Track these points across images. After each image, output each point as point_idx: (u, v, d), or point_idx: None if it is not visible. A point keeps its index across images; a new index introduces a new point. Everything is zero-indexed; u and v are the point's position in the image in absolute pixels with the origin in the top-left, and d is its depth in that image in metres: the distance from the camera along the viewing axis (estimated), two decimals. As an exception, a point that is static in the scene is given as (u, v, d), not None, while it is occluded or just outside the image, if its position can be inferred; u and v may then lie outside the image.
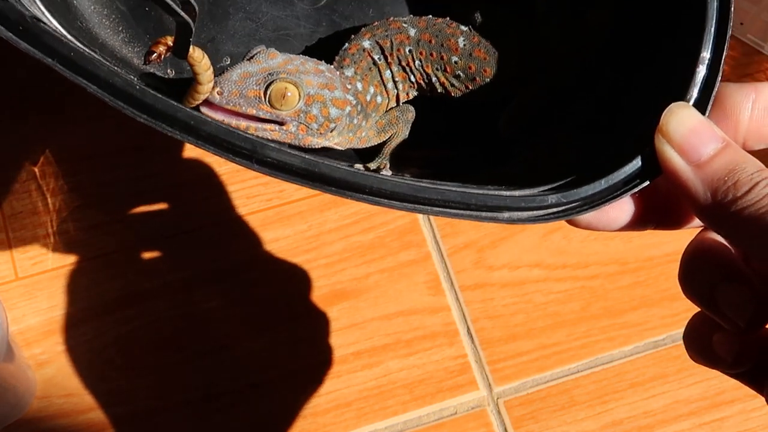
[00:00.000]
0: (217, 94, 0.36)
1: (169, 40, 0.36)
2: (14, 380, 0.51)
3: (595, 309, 0.58)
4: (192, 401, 0.54)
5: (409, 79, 0.45)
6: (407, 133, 0.44)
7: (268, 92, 0.37)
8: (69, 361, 0.55)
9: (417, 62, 0.44)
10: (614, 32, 0.44)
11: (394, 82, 0.45)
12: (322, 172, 0.30)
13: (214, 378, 0.55)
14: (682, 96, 0.32)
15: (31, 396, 0.53)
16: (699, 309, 0.32)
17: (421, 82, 0.45)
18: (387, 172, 0.42)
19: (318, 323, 0.57)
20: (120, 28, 0.48)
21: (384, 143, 0.44)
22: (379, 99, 0.44)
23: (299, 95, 0.37)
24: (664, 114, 0.31)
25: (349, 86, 0.41)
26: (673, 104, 0.31)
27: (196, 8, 0.33)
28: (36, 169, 0.58)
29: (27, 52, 0.30)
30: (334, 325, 0.57)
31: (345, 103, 0.39)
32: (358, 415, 0.55)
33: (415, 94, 0.46)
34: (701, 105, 0.32)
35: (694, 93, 0.33)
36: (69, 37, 0.42)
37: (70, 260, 0.57)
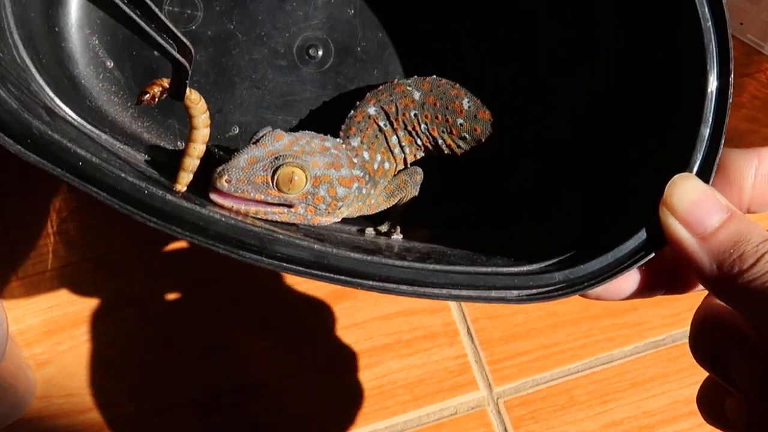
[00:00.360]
0: (226, 182, 0.36)
1: (165, 82, 0.35)
2: (14, 380, 0.51)
3: (595, 309, 0.58)
4: (192, 401, 0.54)
5: (416, 143, 0.45)
6: (416, 194, 0.44)
7: (276, 177, 0.37)
8: (69, 361, 0.55)
9: (423, 125, 0.44)
10: (616, 100, 0.44)
11: (401, 146, 0.45)
12: (331, 263, 0.31)
13: (214, 378, 0.55)
14: (684, 165, 0.33)
15: (31, 396, 0.53)
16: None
17: (428, 144, 0.45)
18: (398, 236, 0.42)
19: (318, 323, 0.57)
20: (129, 104, 0.48)
21: (393, 205, 0.44)
22: (387, 165, 0.44)
23: (306, 178, 0.37)
24: (667, 186, 0.31)
25: (355, 159, 0.41)
26: (676, 176, 0.31)
27: (193, 53, 0.33)
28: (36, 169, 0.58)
29: (36, 165, 0.30)
30: (335, 325, 0.57)
31: (352, 180, 0.39)
32: (358, 415, 0.55)
33: (423, 155, 0.46)
34: (704, 173, 0.32)
35: (697, 161, 0.33)
36: (78, 119, 0.42)
37: (70, 260, 0.57)
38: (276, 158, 0.37)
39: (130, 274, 0.57)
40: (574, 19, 0.47)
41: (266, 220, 0.38)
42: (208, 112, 0.36)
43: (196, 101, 0.36)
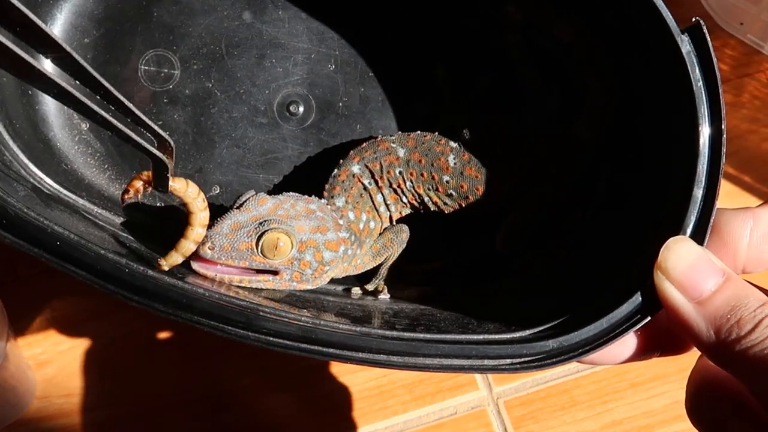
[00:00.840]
0: (209, 249, 0.35)
1: (145, 175, 0.34)
2: (14, 380, 0.51)
3: (595, 309, 0.58)
4: (192, 401, 0.54)
5: (401, 200, 0.44)
6: (401, 251, 0.44)
7: (261, 243, 0.36)
8: (69, 361, 0.55)
9: (408, 183, 0.43)
10: (607, 157, 0.44)
11: (387, 204, 0.44)
12: (320, 338, 0.30)
13: (214, 378, 0.55)
14: (678, 227, 0.32)
15: (31, 396, 0.53)
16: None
17: (414, 202, 0.44)
18: (385, 295, 0.42)
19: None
20: (106, 166, 0.47)
21: (380, 264, 0.44)
22: (372, 224, 0.43)
23: (292, 243, 0.37)
24: (662, 250, 0.30)
25: (341, 221, 0.40)
26: (670, 239, 0.31)
27: (172, 144, 0.32)
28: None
29: (12, 246, 0.30)
30: (334, 325, 0.57)
31: (338, 243, 0.39)
32: (358, 415, 0.55)
33: (409, 212, 0.45)
34: (698, 235, 0.32)
35: (691, 223, 0.32)
36: (53, 185, 0.41)
37: (70, 260, 0.57)
38: (260, 224, 0.36)
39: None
40: (559, 77, 0.46)
41: (251, 289, 0.37)
42: (202, 195, 0.35)
43: (182, 189, 0.34)
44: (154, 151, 0.31)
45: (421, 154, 0.43)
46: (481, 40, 0.48)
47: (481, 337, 0.32)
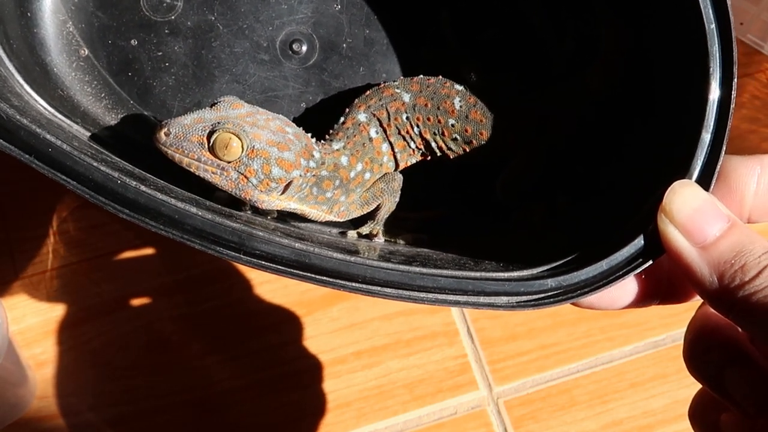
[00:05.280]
0: (164, 134, 0.36)
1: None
2: (14, 380, 0.51)
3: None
4: (191, 401, 0.54)
5: (409, 146, 0.44)
6: (397, 199, 0.43)
7: (212, 140, 0.36)
8: (69, 361, 0.55)
9: (416, 128, 0.43)
10: (615, 104, 0.43)
11: (394, 152, 0.43)
12: (313, 263, 0.29)
13: (213, 378, 0.55)
14: (685, 171, 0.31)
15: (31, 396, 0.53)
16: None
17: (421, 147, 0.43)
18: (380, 239, 0.41)
19: (318, 323, 0.57)
20: (102, 95, 0.47)
21: (375, 210, 0.43)
22: (367, 175, 0.43)
23: (242, 147, 0.36)
24: (667, 193, 0.30)
25: (316, 153, 0.40)
26: (676, 183, 0.30)
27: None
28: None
29: (3, 150, 0.29)
30: (334, 324, 0.57)
31: (293, 166, 0.38)
32: (358, 415, 0.55)
33: (414, 161, 0.44)
34: (705, 180, 0.31)
35: (698, 167, 0.32)
36: (48, 108, 0.41)
37: (70, 260, 0.57)
38: (218, 123, 0.36)
39: (130, 274, 0.57)
40: (572, 27, 0.46)
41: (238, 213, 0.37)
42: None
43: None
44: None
45: (427, 97, 0.43)
46: None
47: (478, 274, 0.32)
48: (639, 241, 0.31)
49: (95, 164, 0.30)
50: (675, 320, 0.58)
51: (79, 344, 0.55)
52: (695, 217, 0.29)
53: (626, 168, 0.39)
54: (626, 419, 0.56)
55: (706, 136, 0.32)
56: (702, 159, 0.32)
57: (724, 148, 0.32)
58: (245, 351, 0.56)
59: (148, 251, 0.58)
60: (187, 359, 0.55)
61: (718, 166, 0.31)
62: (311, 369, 0.56)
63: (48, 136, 0.30)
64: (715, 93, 0.32)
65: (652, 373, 0.56)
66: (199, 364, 0.55)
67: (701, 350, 0.32)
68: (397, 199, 0.43)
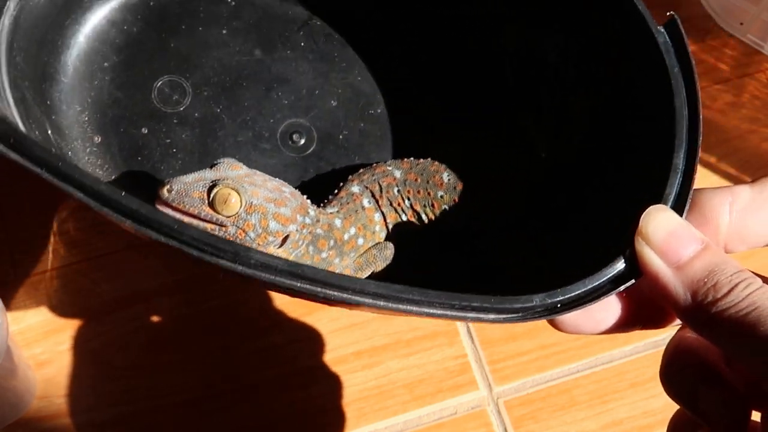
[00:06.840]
0: (167, 191, 0.38)
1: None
2: (14, 380, 0.51)
3: (595, 309, 0.58)
4: (192, 401, 0.54)
5: (401, 219, 0.46)
6: (386, 265, 0.45)
7: (212, 195, 0.38)
8: (69, 361, 0.55)
9: (407, 201, 0.45)
10: (590, 134, 0.45)
11: (386, 223, 0.46)
12: (306, 274, 0.30)
13: (214, 378, 0.55)
14: (659, 197, 0.34)
15: (31, 396, 0.53)
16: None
17: (412, 219, 0.46)
18: None
19: (318, 323, 0.57)
20: (113, 179, 0.49)
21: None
22: (360, 241, 0.45)
23: (241, 202, 0.38)
24: (642, 217, 0.31)
25: (311, 211, 0.42)
26: (651, 207, 0.32)
27: None
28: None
29: (17, 162, 0.31)
30: (334, 324, 0.57)
31: (289, 220, 0.40)
32: (358, 415, 0.55)
33: (406, 229, 0.46)
34: (678, 206, 0.33)
35: (672, 194, 0.34)
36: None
37: (70, 260, 0.57)
38: (219, 180, 0.39)
39: (130, 274, 0.57)
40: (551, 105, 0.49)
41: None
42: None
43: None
44: None
45: (417, 173, 0.46)
46: (474, 75, 0.53)
47: (467, 294, 0.33)
48: (619, 264, 0.33)
49: (101, 182, 0.32)
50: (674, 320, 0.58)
51: (79, 344, 0.55)
52: (670, 239, 0.30)
53: (604, 198, 0.41)
54: (626, 419, 0.56)
55: (678, 161, 0.35)
56: (675, 187, 0.34)
57: (693, 179, 0.34)
58: (245, 351, 0.56)
59: (149, 251, 0.58)
60: (187, 359, 0.55)
61: (691, 193, 0.33)
62: (311, 369, 0.56)
63: (59, 155, 0.32)
64: (682, 121, 0.36)
65: (652, 373, 0.56)
66: (199, 364, 0.55)
67: (676, 369, 0.33)
68: (384, 265, 0.45)
